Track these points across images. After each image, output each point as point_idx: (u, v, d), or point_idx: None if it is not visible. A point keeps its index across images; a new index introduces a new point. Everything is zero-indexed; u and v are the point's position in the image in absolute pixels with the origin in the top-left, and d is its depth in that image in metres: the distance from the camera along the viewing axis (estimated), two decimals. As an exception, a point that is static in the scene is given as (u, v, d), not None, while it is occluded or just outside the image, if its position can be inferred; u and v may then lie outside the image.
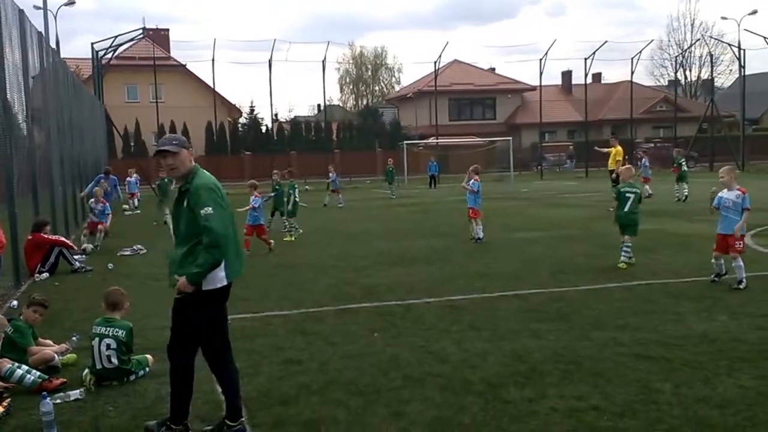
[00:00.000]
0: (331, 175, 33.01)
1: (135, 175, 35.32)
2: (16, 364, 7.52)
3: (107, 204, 20.73)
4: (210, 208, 5.88)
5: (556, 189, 37.88)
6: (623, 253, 13.94)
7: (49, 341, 8.59)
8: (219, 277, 5.98)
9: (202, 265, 5.83)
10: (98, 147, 39.23)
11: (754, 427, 6.03)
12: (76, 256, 15.69)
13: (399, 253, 16.71)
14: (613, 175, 25.84)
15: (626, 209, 14.11)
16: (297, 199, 20.94)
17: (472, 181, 18.64)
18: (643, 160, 33.22)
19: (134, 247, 18.34)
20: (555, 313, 10.20)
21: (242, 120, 71.47)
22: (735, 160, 56.41)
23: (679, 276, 12.73)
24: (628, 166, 13.99)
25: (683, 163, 30.32)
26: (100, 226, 19.40)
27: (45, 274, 14.67)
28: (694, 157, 62.21)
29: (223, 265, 5.97)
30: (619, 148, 27.45)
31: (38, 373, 7.55)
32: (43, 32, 22.37)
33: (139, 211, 31.49)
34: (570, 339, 8.80)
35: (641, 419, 6.25)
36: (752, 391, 6.80)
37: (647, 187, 30.48)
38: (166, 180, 25.74)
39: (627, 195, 14.16)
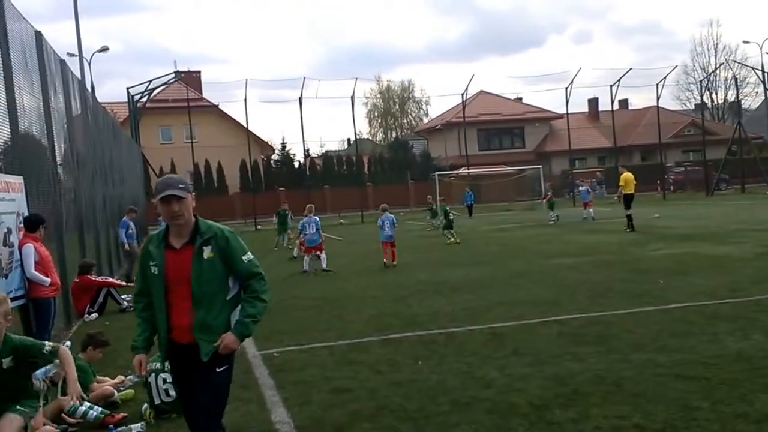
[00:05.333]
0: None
1: None
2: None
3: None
4: (250, 253, 5.37)
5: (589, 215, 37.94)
6: None
7: (107, 378, 8.97)
8: None
9: (256, 315, 5.26)
10: (136, 188, 39.95)
11: (793, 441, 6.23)
12: (123, 296, 16.10)
13: (438, 282, 16.99)
14: (617, 199, 28.96)
15: None
16: (451, 217, 29.48)
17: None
18: (582, 187, 39.62)
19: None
20: (594, 336, 10.39)
21: (275, 156, 72.37)
22: (766, 181, 56.25)
23: (713, 297, 12.84)
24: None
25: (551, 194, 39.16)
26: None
27: (94, 315, 15.10)
28: (725, 180, 62.11)
29: None
30: (625, 175, 28.58)
31: (100, 408, 7.90)
32: (79, 78, 23.06)
33: None
34: (610, 361, 9.00)
35: (682, 436, 6.48)
36: (790, 407, 6.99)
37: (591, 210, 37.39)
38: (284, 211, 31.66)
39: None
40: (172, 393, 7.76)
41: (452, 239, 27.78)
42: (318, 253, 20.98)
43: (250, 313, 5.22)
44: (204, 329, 5.18)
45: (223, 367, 5.26)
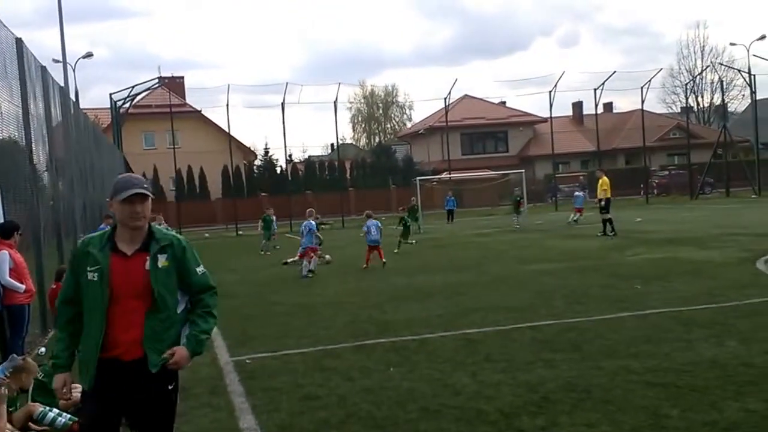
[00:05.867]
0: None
1: (164, 223, 35.88)
2: (48, 407, 7.82)
3: None
4: (202, 266, 4.94)
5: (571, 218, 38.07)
6: None
7: (77, 385, 8.87)
8: None
9: (209, 331, 4.86)
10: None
11: (759, 448, 6.22)
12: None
13: (415, 288, 16.95)
14: (601, 203, 28.40)
15: None
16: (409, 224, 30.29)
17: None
18: (578, 193, 41.15)
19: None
20: (568, 343, 10.37)
21: (257, 162, 72.35)
22: (751, 185, 56.49)
23: (691, 303, 12.85)
24: None
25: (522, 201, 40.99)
26: None
27: (70, 321, 14.93)
28: (710, 183, 62.32)
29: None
30: (605, 179, 29.35)
31: (68, 415, 7.82)
32: (63, 85, 22.97)
33: None
34: (582, 368, 8.98)
35: (649, 443, 6.46)
36: (757, 414, 6.97)
37: (578, 215, 38.15)
38: (269, 217, 31.46)
39: None
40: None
41: (400, 245, 27.72)
42: (304, 258, 20.99)
43: (204, 329, 4.81)
44: (157, 341, 4.67)
45: (173, 384, 4.83)
